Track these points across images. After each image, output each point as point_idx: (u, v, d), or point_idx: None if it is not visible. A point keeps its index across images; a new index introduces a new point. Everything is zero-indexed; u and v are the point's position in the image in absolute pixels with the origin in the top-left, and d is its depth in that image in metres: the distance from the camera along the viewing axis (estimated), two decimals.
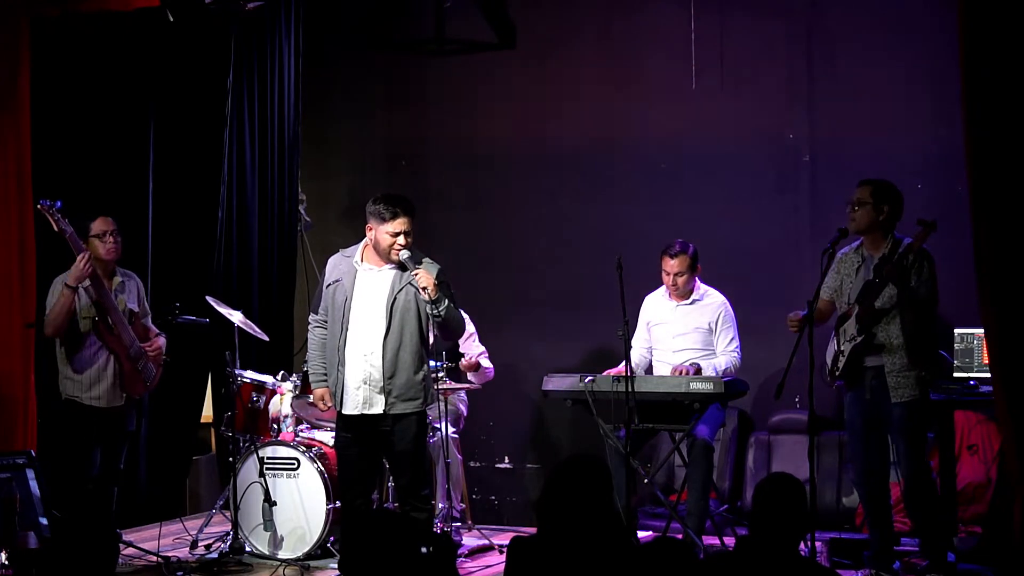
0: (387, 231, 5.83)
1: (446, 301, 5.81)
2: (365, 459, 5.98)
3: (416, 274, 5.77)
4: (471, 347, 7.46)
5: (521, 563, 3.87)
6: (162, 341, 6.80)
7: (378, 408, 5.85)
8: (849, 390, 6.16)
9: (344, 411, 5.90)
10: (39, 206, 6.35)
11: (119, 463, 6.69)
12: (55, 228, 6.35)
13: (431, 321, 5.87)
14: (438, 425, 6.94)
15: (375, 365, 5.83)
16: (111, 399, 6.56)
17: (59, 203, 6.34)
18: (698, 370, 6.67)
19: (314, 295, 6.29)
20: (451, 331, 6.02)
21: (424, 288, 5.74)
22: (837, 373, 6.13)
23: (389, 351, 5.82)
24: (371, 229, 5.90)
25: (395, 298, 5.84)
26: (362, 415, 5.87)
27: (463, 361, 7.25)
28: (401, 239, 5.83)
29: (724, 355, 6.84)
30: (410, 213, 5.87)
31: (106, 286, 6.52)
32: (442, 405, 6.90)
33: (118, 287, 6.65)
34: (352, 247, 6.06)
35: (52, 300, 6.47)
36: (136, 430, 6.98)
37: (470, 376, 7.42)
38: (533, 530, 4.03)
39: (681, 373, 6.64)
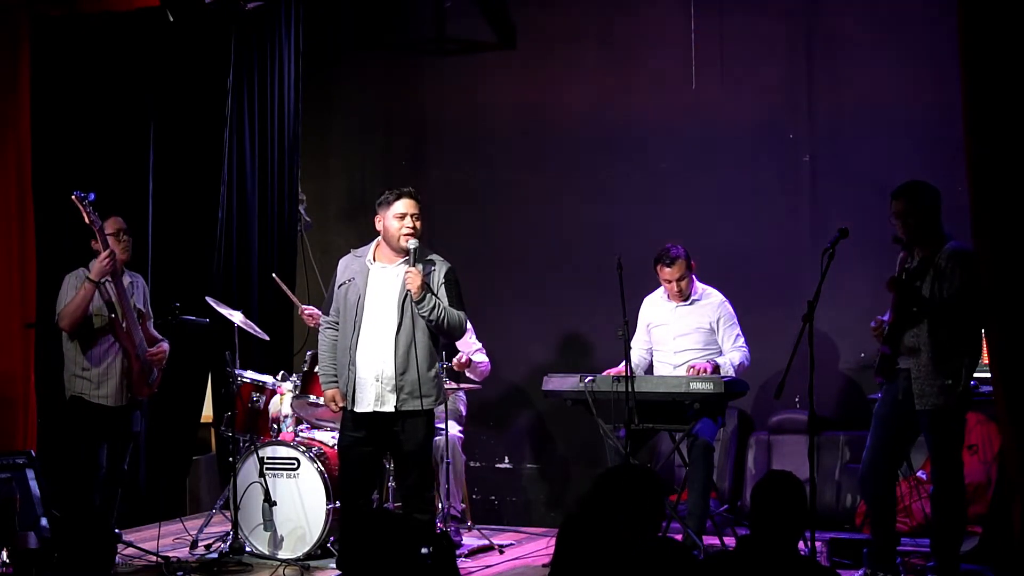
0: (394, 214, 5.86)
1: (434, 301, 5.80)
2: (369, 459, 5.98)
3: (408, 272, 5.78)
4: (467, 343, 7.44)
5: (572, 540, 3.82)
6: (166, 347, 6.80)
7: (389, 406, 5.84)
8: (886, 386, 6.13)
9: (356, 409, 5.88)
10: (73, 196, 6.34)
11: (123, 464, 6.70)
12: (86, 220, 6.36)
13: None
14: (441, 425, 6.93)
15: (387, 362, 5.82)
16: (118, 398, 6.57)
17: (92, 195, 6.35)
18: (716, 368, 6.65)
19: (324, 298, 6.26)
20: (445, 332, 5.99)
21: (409, 289, 5.76)
22: (875, 371, 6.13)
23: (401, 348, 5.81)
24: (380, 220, 5.92)
25: (407, 294, 5.83)
26: (374, 413, 5.85)
27: (455, 360, 7.22)
28: (408, 222, 5.85)
29: (735, 351, 6.83)
30: (414, 197, 5.91)
31: (124, 284, 6.54)
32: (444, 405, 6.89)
33: (128, 288, 6.65)
34: (363, 247, 6.06)
35: (68, 295, 6.47)
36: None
37: (468, 374, 7.41)
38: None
39: (699, 372, 6.62)
